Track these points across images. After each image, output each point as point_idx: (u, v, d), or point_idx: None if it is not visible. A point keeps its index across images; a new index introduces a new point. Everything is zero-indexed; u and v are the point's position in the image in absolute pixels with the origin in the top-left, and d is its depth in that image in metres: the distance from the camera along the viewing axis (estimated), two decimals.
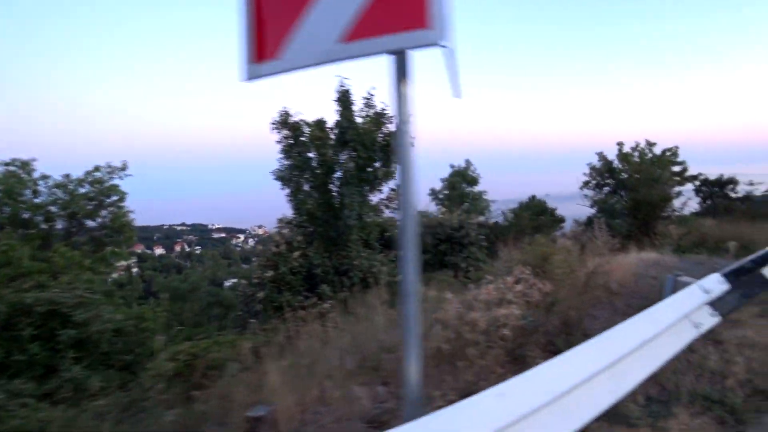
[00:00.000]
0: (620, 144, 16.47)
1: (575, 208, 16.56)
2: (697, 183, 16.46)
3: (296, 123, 8.13)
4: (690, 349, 4.05)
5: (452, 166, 13.24)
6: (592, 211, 14.29)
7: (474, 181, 13.18)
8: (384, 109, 7.94)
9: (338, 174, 7.91)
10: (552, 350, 4.17)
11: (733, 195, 16.08)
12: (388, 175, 8.05)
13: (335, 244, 8.18)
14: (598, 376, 2.39)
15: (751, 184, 16.63)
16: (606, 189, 16.70)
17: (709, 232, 9.63)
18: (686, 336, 3.14)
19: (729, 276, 3.84)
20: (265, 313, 7.82)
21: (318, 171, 8.12)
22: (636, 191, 12.44)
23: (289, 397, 3.66)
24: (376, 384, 3.93)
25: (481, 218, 13.00)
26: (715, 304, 3.56)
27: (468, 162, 13.35)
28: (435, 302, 5.31)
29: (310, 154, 8.22)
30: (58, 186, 14.24)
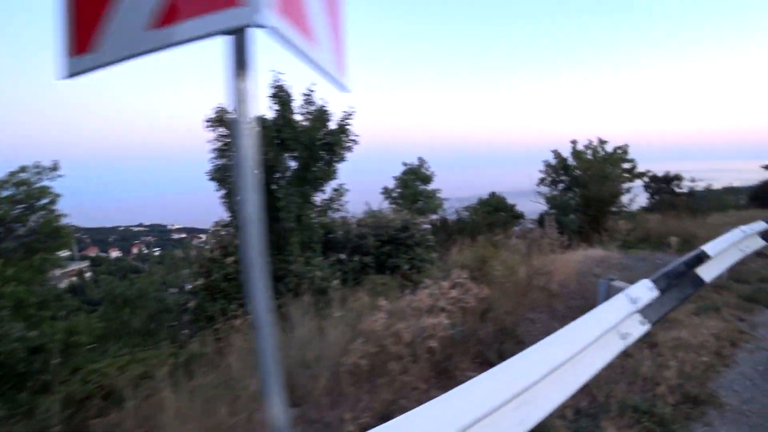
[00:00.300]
0: (574, 142, 16.72)
1: (533, 205, 16.68)
2: (646, 179, 16.87)
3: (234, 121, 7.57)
4: (626, 353, 3.89)
5: (405, 164, 12.99)
6: (545, 207, 14.35)
7: (427, 179, 12.95)
8: (324, 106, 7.53)
9: (278, 174, 7.43)
10: (482, 361, 3.90)
11: (678, 190, 16.67)
12: (329, 175, 7.64)
13: (275, 247, 7.70)
14: (507, 405, 2.09)
15: (693, 180, 17.25)
16: (561, 185, 16.95)
17: (653, 228, 9.75)
18: (613, 349, 2.90)
19: (659, 281, 3.66)
20: (197, 323, 7.27)
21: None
22: (586, 188, 12.55)
23: (186, 426, 3.24)
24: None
25: (434, 216, 12.79)
26: (645, 311, 3.36)
27: (421, 160, 13.14)
28: (366, 310, 4.98)
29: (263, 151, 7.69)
30: None
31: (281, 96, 7.22)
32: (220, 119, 7.57)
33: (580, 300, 5.16)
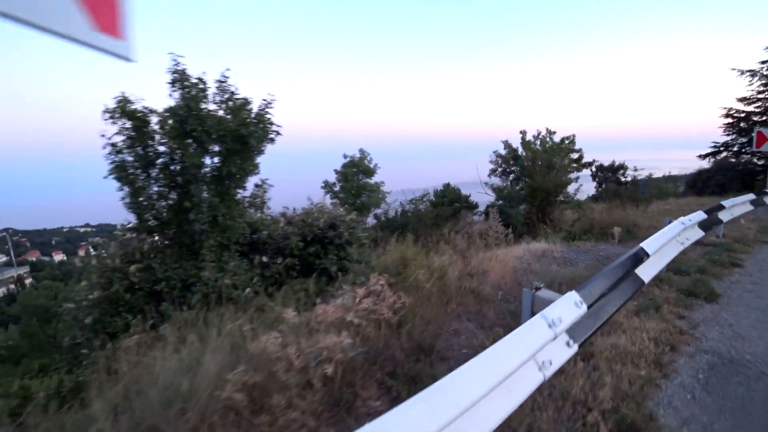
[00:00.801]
0: (523, 132, 16.59)
1: (485, 197, 16.37)
2: (593, 169, 16.92)
3: (140, 111, 6.58)
4: (559, 370, 3.37)
5: (345, 156, 12.22)
6: (494, 198, 14.03)
7: (370, 172, 12.26)
8: (234, 94, 6.68)
9: (186, 171, 6.51)
10: (391, 386, 3.27)
11: (623, 179, 16.82)
12: (247, 170, 6.81)
13: (189, 252, 6.82)
14: None
15: (636, 169, 17.47)
16: (511, 176, 16.81)
17: (598, 218, 9.51)
18: (530, 382, 2.32)
19: (591, 289, 3.11)
20: (97, 340, 6.33)
21: (171, 168, 6.70)
22: (533, 178, 12.27)
23: None
24: None
25: (378, 211, 12.17)
26: (572, 331, 2.81)
27: (363, 152, 12.39)
28: (269, 324, 4.27)
29: (161, 148, 6.75)
30: None
31: (182, 82, 6.30)
32: (123, 110, 6.56)
33: (513, 303, 4.64)
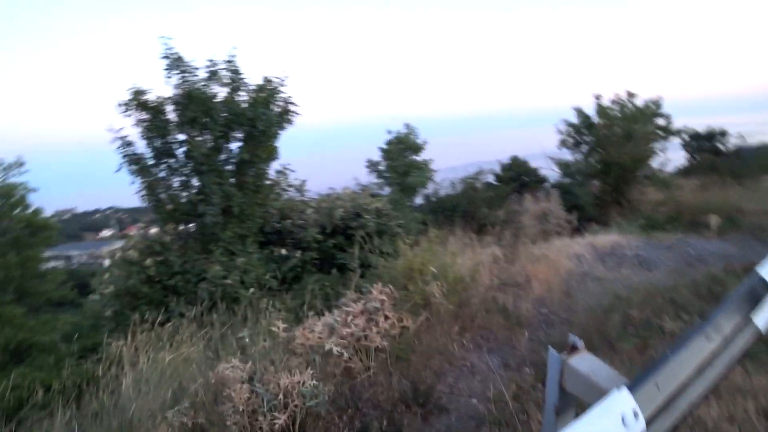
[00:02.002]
0: (598, 96, 14.40)
1: (552, 172, 14.70)
2: (685, 137, 14.44)
3: (154, 101, 6.15)
4: None
5: (390, 132, 11.21)
6: (558, 175, 12.39)
7: (417, 148, 11.16)
8: (240, 74, 5.98)
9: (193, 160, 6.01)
10: None
11: (722, 149, 14.12)
12: (261, 156, 6.15)
13: (203, 245, 6.40)
14: None
15: (740, 136, 14.57)
16: (584, 148, 14.84)
17: (688, 200, 7.80)
18: None
19: (654, 392, 2.01)
20: (117, 333, 6.09)
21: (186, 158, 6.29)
22: (606, 150, 10.51)
23: None
24: None
25: (427, 192, 11.07)
26: None
27: (409, 127, 11.28)
28: (256, 339, 3.60)
29: (180, 136, 6.32)
30: None
31: (179, 67, 5.70)
32: (138, 101, 6.14)
33: (558, 328, 3.55)
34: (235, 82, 6.00)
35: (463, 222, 10.38)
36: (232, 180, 6.44)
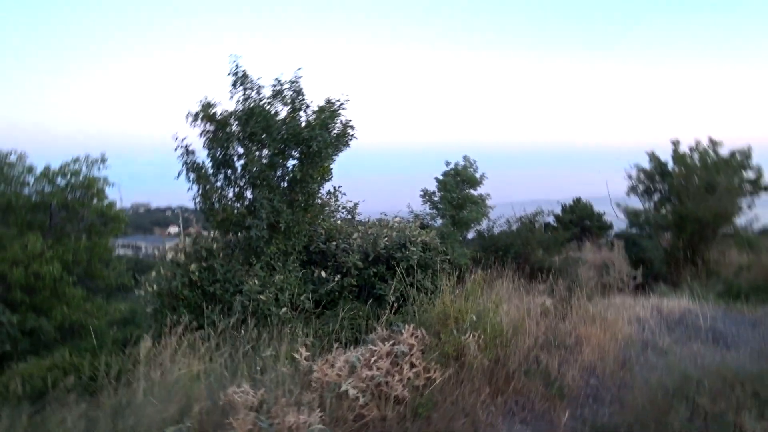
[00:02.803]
0: (676, 142, 13.42)
1: (617, 220, 13.78)
2: None
3: (220, 115, 6.43)
4: None
5: (447, 164, 10.93)
6: (625, 224, 11.50)
7: (475, 182, 10.79)
8: (302, 94, 6.07)
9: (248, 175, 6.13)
10: None
11: None
12: (311, 176, 6.15)
13: (250, 257, 6.46)
14: None
15: None
16: (656, 197, 13.81)
17: None
18: None
19: None
20: (154, 330, 6.32)
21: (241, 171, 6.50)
22: (682, 202, 9.60)
23: None
24: None
25: (482, 227, 10.61)
26: None
27: (467, 159, 10.93)
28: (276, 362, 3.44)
29: (240, 149, 6.54)
30: (42, 178, 13.79)
31: (243, 84, 5.86)
32: (206, 113, 6.43)
33: (609, 407, 3.08)
34: (297, 102, 6.07)
35: (514, 264, 9.86)
36: (284, 197, 6.47)
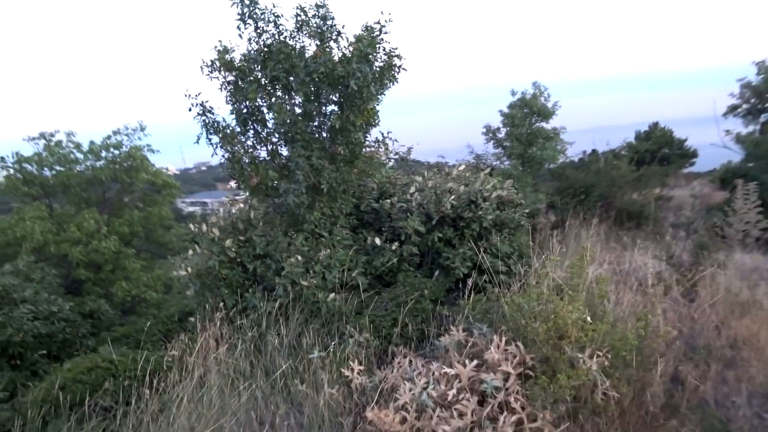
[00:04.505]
0: None
1: (713, 149, 11.66)
2: None
3: (240, 61, 5.35)
4: None
5: (513, 94, 9.22)
6: (738, 156, 9.46)
7: (547, 113, 9.08)
8: (331, 21, 4.82)
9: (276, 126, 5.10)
10: None
11: None
12: (353, 123, 5.03)
13: (289, 227, 5.65)
14: None
15: None
16: (764, 117, 11.57)
17: None
18: None
19: None
20: (198, 313, 5.87)
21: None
22: None
23: None
24: None
25: (556, 165, 9.01)
26: None
27: (537, 86, 9.17)
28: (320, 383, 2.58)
29: (260, 102, 5.53)
30: (90, 154, 13.78)
31: (251, 13, 4.65)
32: (223, 61, 5.36)
33: None
34: (326, 31, 4.84)
35: (599, 210, 8.39)
36: (324, 151, 5.43)
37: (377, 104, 5.35)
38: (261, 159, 5.78)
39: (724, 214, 6.78)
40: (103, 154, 13.09)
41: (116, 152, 13.07)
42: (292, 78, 4.83)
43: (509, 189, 5.11)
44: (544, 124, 9.15)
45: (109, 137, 12.95)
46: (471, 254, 4.59)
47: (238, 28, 4.82)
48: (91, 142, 13.05)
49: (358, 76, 4.56)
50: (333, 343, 3.75)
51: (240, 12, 4.73)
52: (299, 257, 4.83)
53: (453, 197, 4.76)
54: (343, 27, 4.91)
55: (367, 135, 5.70)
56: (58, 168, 12.73)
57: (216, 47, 5.29)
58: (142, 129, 13.26)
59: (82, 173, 13.05)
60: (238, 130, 5.60)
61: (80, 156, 13.09)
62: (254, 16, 4.73)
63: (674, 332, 3.12)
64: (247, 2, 4.69)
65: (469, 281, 4.05)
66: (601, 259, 6.11)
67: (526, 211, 5.49)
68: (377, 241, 5.06)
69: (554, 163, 8.89)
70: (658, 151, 22.33)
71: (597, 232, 7.76)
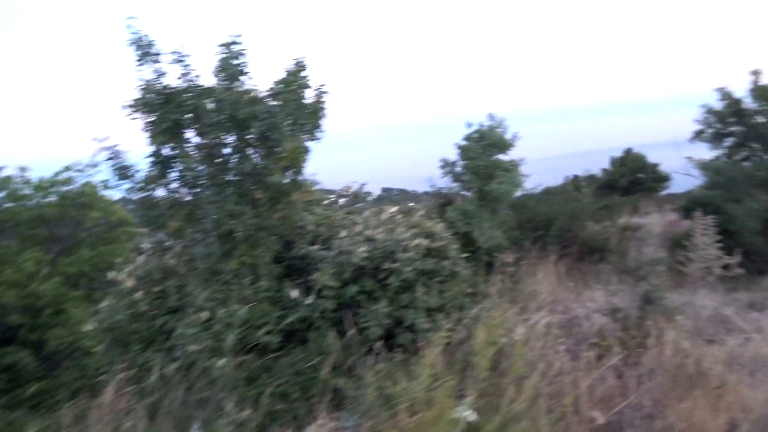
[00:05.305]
0: (755, 73, 11.06)
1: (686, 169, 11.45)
2: None
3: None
4: None
5: (469, 125, 8.90)
6: (700, 180, 9.23)
7: (504, 145, 8.76)
8: (237, 60, 4.44)
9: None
10: None
11: None
12: (268, 166, 4.62)
13: (211, 275, 5.16)
14: None
15: None
16: (728, 141, 11.52)
17: None
18: None
19: None
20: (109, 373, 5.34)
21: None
22: None
23: None
24: None
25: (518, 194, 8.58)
26: None
27: (493, 118, 8.86)
28: None
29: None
30: (39, 190, 13.17)
31: (151, 56, 4.25)
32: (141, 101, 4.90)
33: None
34: (235, 70, 4.46)
35: (561, 245, 8.01)
36: (241, 196, 4.98)
37: (300, 143, 4.94)
38: (183, 201, 5.32)
39: (684, 249, 6.41)
40: (54, 190, 12.51)
41: (66, 188, 12.49)
42: (196, 120, 4.42)
43: (441, 234, 4.67)
44: (502, 156, 8.83)
45: (58, 173, 12.42)
46: (392, 309, 4.12)
47: (138, 69, 4.40)
48: (40, 179, 12.49)
49: (264, 117, 4.17)
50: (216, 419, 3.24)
51: (138, 54, 4.33)
52: (202, 314, 4.34)
53: (364, 249, 4.29)
54: (257, 65, 4.54)
55: (298, 176, 5.26)
56: (7, 204, 12.12)
57: (141, 86, 4.85)
58: (95, 165, 12.73)
59: (31, 210, 12.43)
60: (156, 173, 5.16)
61: (30, 192, 12.50)
62: (152, 57, 4.33)
63: (599, 419, 2.68)
64: (144, 43, 4.29)
65: (378, 345, 3.57)
66: (551, 304, 5.67)
67: (469, 251, 5.05)
68: (294, 293, 4.57)
69: (509, 198, 8.53)
70: (632, 176, 22.37)
71: (556, 270, 7.35)
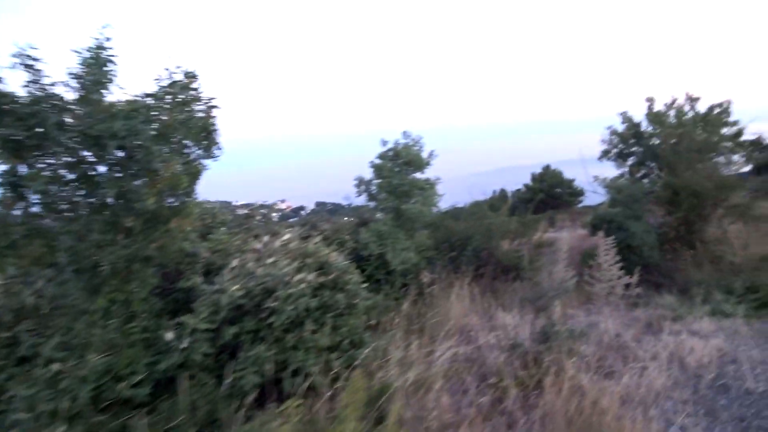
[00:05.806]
0: (650, 100, 12.11)
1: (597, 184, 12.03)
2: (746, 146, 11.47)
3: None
4: None
5: (384, 143, 8.69)
6: (604, 197, 9.72)
7: (420, 164, 8.69)
8: (105, 66, 3.86)
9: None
10: None
11: None
12: (137, 191, 4.02)
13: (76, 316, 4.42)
14: None
15: None
16: (631, 160, 12.71)
17: None
18: None
19: None
20: None
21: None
22: (673, 171, 7.78)
23: None
24: None
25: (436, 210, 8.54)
26: None
27: (408, 136, 8.75)
28: None
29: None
30: None
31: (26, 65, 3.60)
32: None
33: None
34: (96, 80, 3.86)
35: (476, 266, 7.97)
36: (110, 225, 4.33)
37: (176, 165, 4.39)
38: (44, 229, 4.54)
39: (590, 268, 6.53)
40: None
41: None
42: (46, 138, 3.75)
43: (336, 264, 4.30)
44: (418, 175, 8.70)
45: None
46: (276, 351, 3.67)
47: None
48: None
49: (124, 135, 3.61)
50: None
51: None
52: (53, 366, 3.64)
53: (237, 287, 3.83)
54: (124, 74, 3.96)
55: (173, 201, 4.68)
56: None
57: None
58: None
59: None
60: (12, 194, 4.36)
61: None
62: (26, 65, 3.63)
63: None
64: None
65: (250, 397, 3.11)
66: (459, 331, 5.47)
67: (359, 286, 4.70)
68: (169, 335, 3.99)
69: (425, 218, 8.40)
70: (550, 190, 23.68)
71: (470, 291, 7.23)
